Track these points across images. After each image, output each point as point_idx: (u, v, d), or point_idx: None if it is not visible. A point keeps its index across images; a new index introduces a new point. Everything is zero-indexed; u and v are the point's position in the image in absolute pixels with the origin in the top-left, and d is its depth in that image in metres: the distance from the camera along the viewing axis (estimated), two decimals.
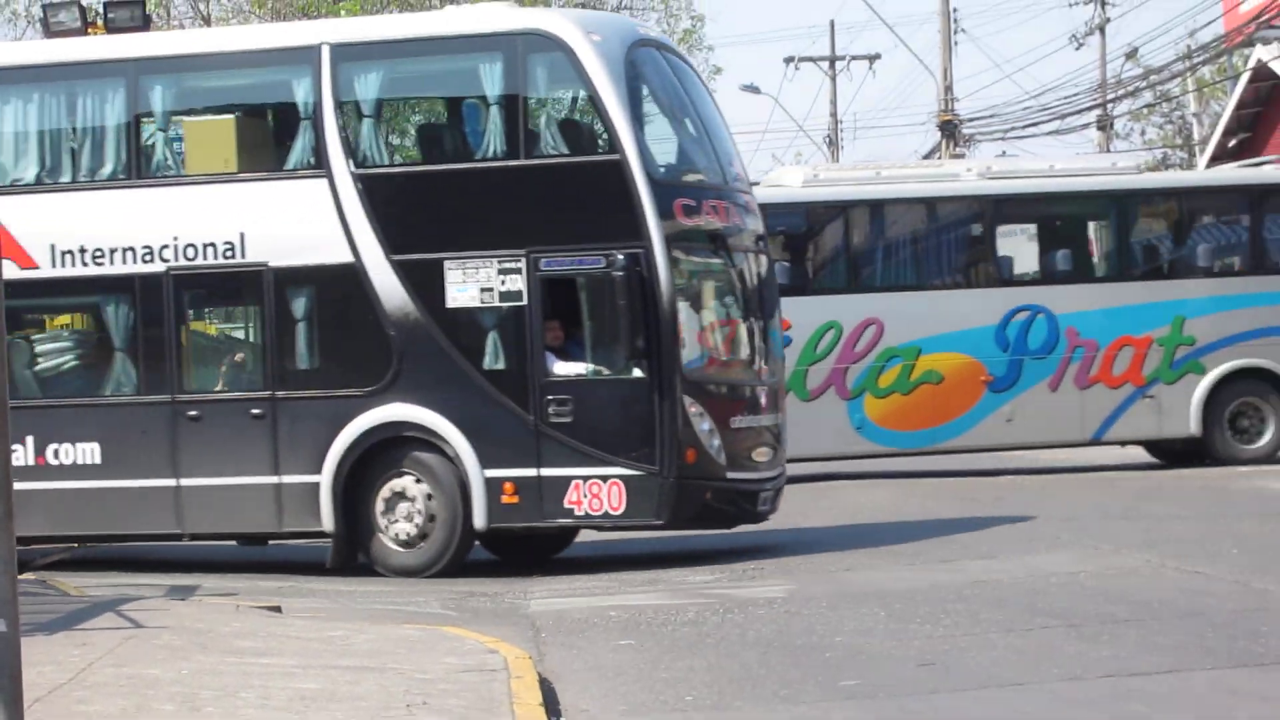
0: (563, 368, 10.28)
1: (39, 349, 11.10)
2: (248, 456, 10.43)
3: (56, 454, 10.66)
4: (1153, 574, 9.32)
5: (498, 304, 10.19)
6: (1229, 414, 17.24)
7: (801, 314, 15.11)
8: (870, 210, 17.21)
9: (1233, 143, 27.28)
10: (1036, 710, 5.64)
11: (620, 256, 9.84)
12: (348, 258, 10.29)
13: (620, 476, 9.99)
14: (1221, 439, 17.14)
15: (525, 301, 10.13)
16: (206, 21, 25.58)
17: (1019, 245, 18.26)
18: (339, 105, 10.50)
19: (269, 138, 10.98)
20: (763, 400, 11.25)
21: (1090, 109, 33.38)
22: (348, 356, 10.66)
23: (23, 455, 10.58)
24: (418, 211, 10.51)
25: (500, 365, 10.31)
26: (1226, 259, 18.23)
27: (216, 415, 10.54)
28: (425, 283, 10.23)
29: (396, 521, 10.40)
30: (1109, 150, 37.63)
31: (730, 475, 10.56)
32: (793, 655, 7.17)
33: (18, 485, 9.63)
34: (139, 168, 10.84)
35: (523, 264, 10.11)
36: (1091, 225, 18.18)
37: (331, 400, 10.43)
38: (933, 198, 17.17)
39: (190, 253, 10.54)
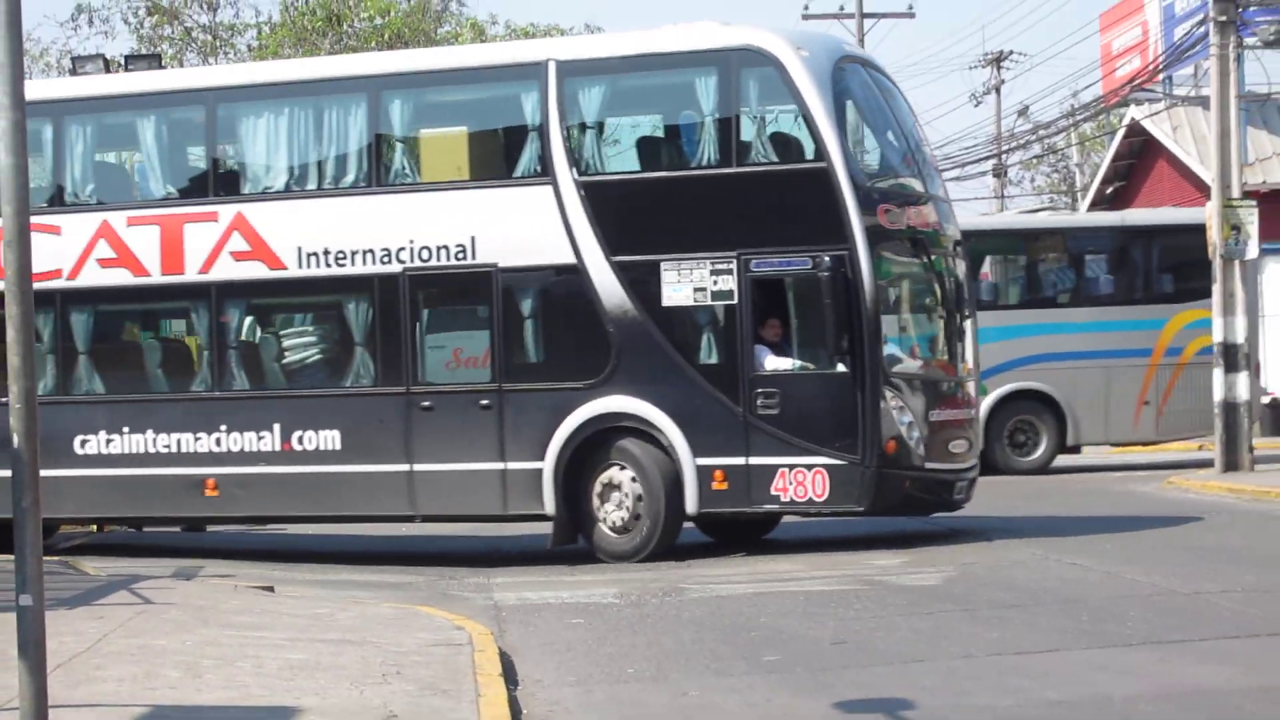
0: (771, 363, 11.44)
1: (286, 344, 12.76)
2: (476, 445, 11.84)
3: (301, 440, 12.25)
4: (1038, 565, 10.82)
5: (710, 303, 11.45)
6: (1007, 430, 20.75)
7: None
8: None
9: (1110, 190, 33.03)
10: (933, 683, 6.65)
11: (826, 258, 10.98)
12: (570, 259, 11.66)
13: (824, 466, 11.14)
14: (1001, 452, 20.46)
15: (736, 300, 11.35)
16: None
17: None
18: (564, 116, 11.85)
19: (498, 147, 12.34)
20: (959, 395, 12.48)
21: (987, 159, 39.98)
22: (569, 351, 12.04)
23: (270, 441, 12.43)
24: (636, 216, 11.82)
25: (712, 360, 11.60)
26: (1007, 294, 22.00)
27: (448, 406, 11.95)
28: (642, 282, 11.54)
29: (610, 509, 11.76)
30: (1003, 196, 46.06)
31: (929, 466, 11.67)
32: (722, 634, 8.45)
33: (265, 469, 11.44)
34: (379, 176, 12.37)
35: (734, 265, 11.32)
36: None
37: (554, 392, 11.77)
38: None
39: (425, 255, 12.02)
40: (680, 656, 7.87)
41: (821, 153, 11.27)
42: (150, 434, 12.74)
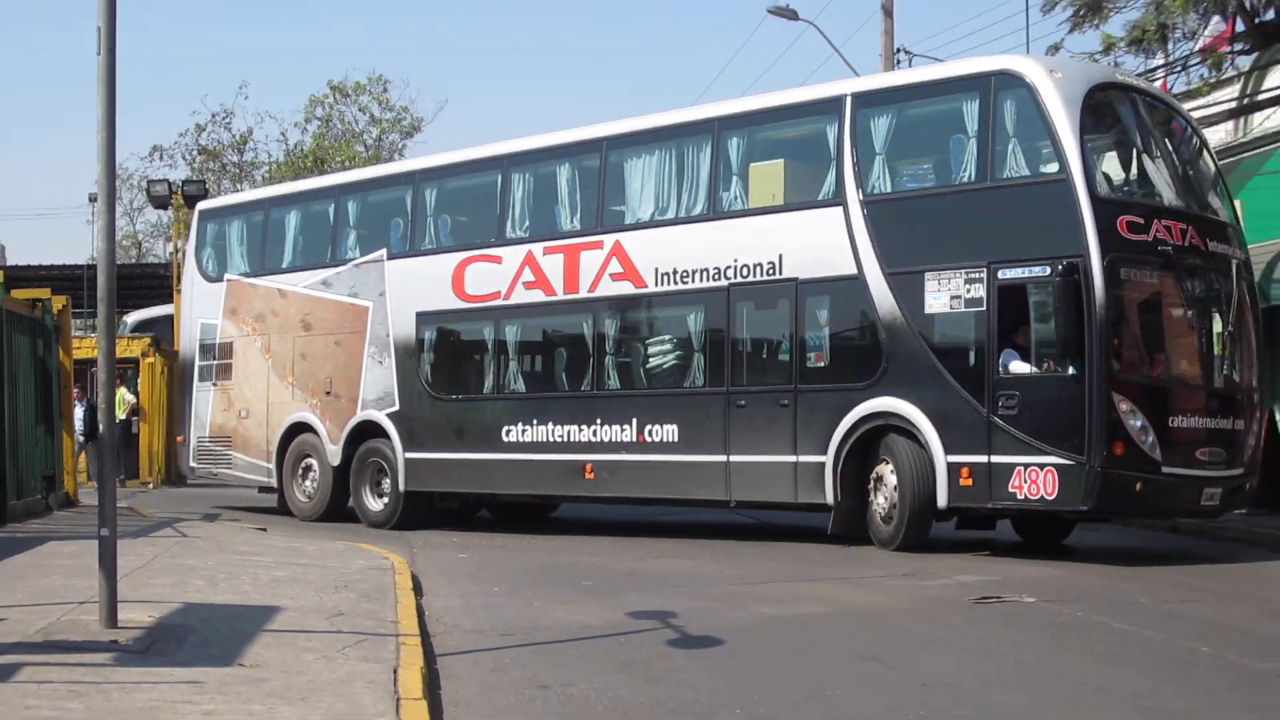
0: (1013, 366, 13.32)
1: (643, 350, 16.51)
2: (776, 439, 14.81)
3: (650, 433, 15.95)
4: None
5: (964, 309, 13.58)
6: None
7: None
8: None
9: None
10: (690, 604, 11.02)
11: (1061, 265, 12.71)
12: (853, 270, 14.33)
13: (1054, 465, 12.87)
14: None
15: (984, 307, 13.38)
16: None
17: None
18: (855, 143, 14.53)
19: (804, 174, 15.10)
20: (1210, 404, 13.80)
21: None
22: (850, 355, 14.78)
23: (630, 433, 16.27)
24: (906, 231, 14.24)
25: (963, 363, 13.65)
26: None
27: (756, 404, 15.05)
28: (909, 292, 13.90)
29: (880, 500, 14.28)
30: None
31: (1166, 470, 13.10)
32: (557, 570, 14.10)
33: (625, 457, 16.12)
34: (714, 205, 15.78)
35: (984, 274, 13.37)
36: None
37: (836, 392, 14.46)
38: None
39: (745, 271, 15.22)
40: (529, 582, 13.03)
41: (1062, 165, 13.05)
42: (551, 425, 16.90)
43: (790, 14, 31.73)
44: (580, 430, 16.95)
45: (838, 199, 14.96)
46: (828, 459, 14.69)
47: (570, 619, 10.35)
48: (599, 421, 16.78)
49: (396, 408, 18.99)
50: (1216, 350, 14.04)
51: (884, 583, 12.50)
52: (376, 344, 19.31)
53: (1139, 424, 13.13)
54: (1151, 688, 7.84)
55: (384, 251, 19.50)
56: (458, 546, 16.58)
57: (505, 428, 17.76)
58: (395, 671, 7.45)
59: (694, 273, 16.06)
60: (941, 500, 13.92)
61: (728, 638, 9.36)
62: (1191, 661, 8.72)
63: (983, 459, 13.65)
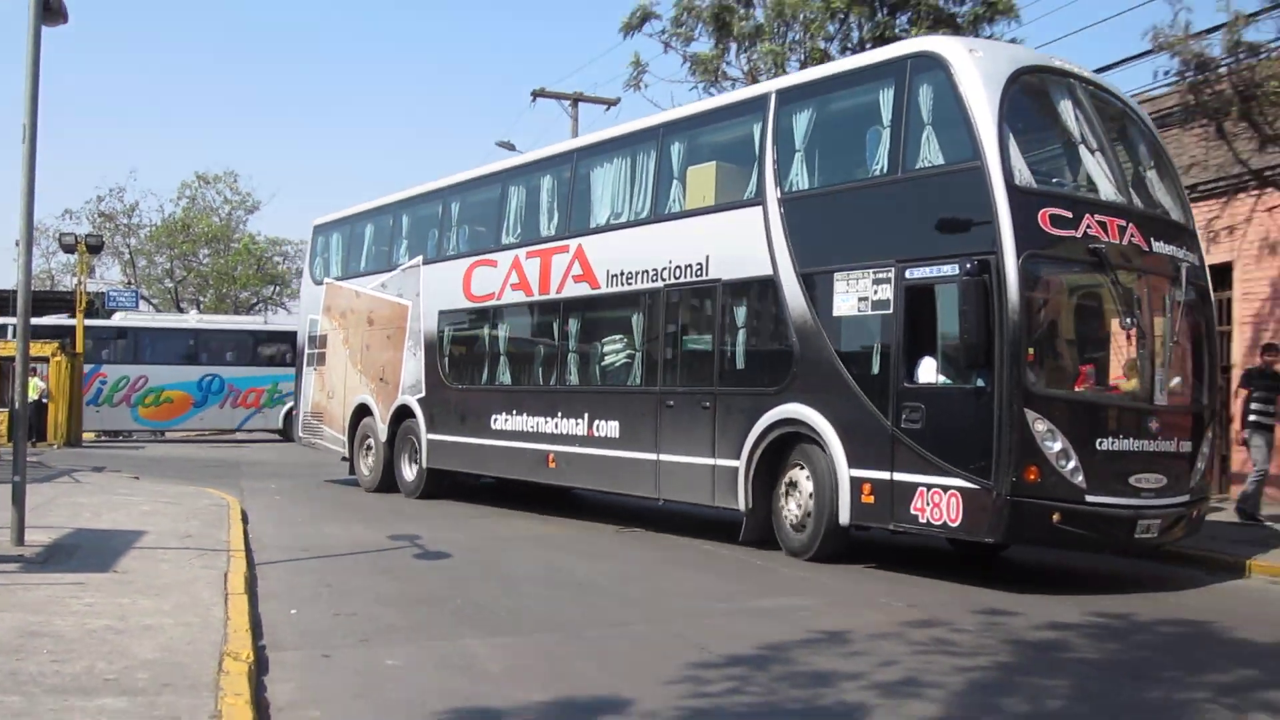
0: (920, 375, 8.19)
1: (594, 349, 11.62)
2: (698, 441, 9.91)
3: (598, 428, 11.16)
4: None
5: (870, 312, 8.49)
6: None
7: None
8: None
9: None
10: (431, 531, 10.77)
11: (970, 264, 7.56)
12: (768, 271, 9.36)
13: (958, 488, 7.71)
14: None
15: (891, 310, 8.29)
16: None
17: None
18: (776, 140, 9.57)
19: (734, 176, 10.17)
20: (1150, 424, 8.07)
21: None
22: (764, 359, 9.69)
23: (582, 426, 11.41)
24: (819, 229, 9.14)
25: (868, 370, 8.56)
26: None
27: (682, 405, 10.15)
28: (820, 293, 8.94)
29: (791, 508, 9.24)
30: None
31: (1092, 499, 7.63)
32: (342, 506, 13.77)
33: (578, 449, 11.17)
34: (656, 208, 10.86)
35: (891, 273, 8.30)
36: None
37: (750, 396, 9.52)
38: None
39: (678, 272, 10.33)
40: (321, 513, 12.76)
41: (976, 150, 7.78)
42: (525, 416, 12.27)
43: (509, 145, 26.53)
44: (545, 422, 12.11)
45: (758, 198, 9.74)
46: (740, 464, 9.54)
47: (350, 540, 10.30)
48: (560, 415, 11.91)
49: (423, 394, 14.51)
50: (1159, 363, 8.30)
51: (556, 517, 12.39)
52: (413, 338, 14.86)
53: (1058, 446, 7.68)
54: (715, 582, 8.31)
55: (421, 258, 14.99)
56: (275, 490, 15.66)
57: (493, 416, 13.04)
58: (225, 575, 7.43)
59: (636, 274, 11.02)
60: (844, 517, 8.67)
61: (455, 553, 9.44)
62: (746, 566, 9.03)
63: (885, 475, 8.38)
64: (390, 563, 8.88)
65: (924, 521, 7.98)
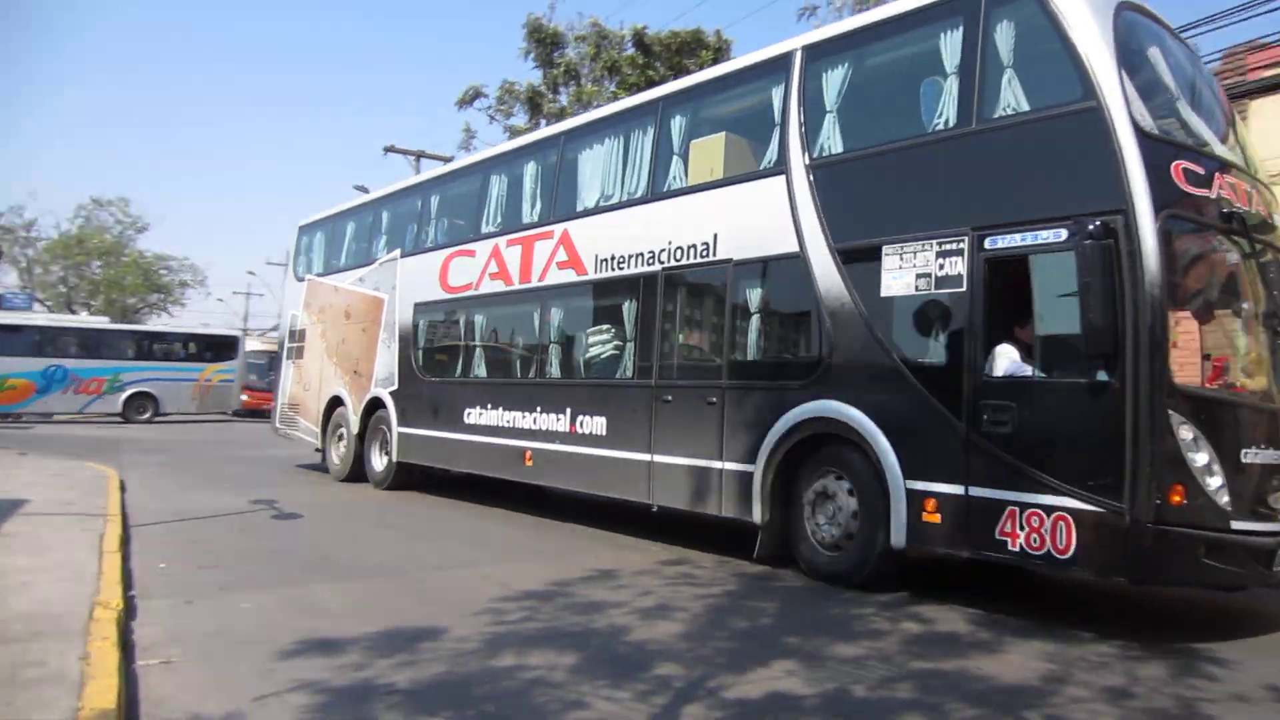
0: (1006, 366, 5.18)
1: (580, 339, 8.41)
2: (701, 441, 6.81)
3: (583, 424, 7.98)
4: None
5: (933, 291, 5.45)
6: None
7: None
8: None
9: None
10: (284, 496, 10.07)
11: (1091, 225, 4.63)
12: (793, 247, 6.28)
13: (1071, 511, 4.71)
14: None
15: (964, 288, 5.29)
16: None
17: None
18: (803, 102, 6.52)
19: (746, 146, 7.14)
20: None
21: None
22: (786, 348, 6.58)
23: (564, 422, 8.25)
24: (861, 196, 6.06)
25: (932, 361, 5.48)
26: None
27: (683, 400, 7.03)
28: (861, 270, 5.85)
29: (821, 523, 6.13)
30: None
31: (1236, 526, 4.68)
32: (210, 474, 12.46)
33: (559, 447, 7.68)
34: (653, 187, 7.73)
35: (965, 244, 5.30)
36: None
37: (769, 391, 6.38)
38: None
39: (678, 254, 7.23)
40: (192, 481, 11.40)
41: (1090, 88, 4.86)
42: (501, 410, 9.01)
43: (363, 189, 23.93)
44: (524, 417, 8.84)
45: (779, 167, 6.66)
46: (755, 469, 6.39)
47: (215, 505, 9.14)
48: (539, 409, 8.64)
49: (395, 387, 11.11)
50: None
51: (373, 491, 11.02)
52: (388, 330, 11.47)
53: (1203, 459, 4.68)
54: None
55: (399, 251, 11.60)
56: (154, 462, 13.89)
57: (466, 410, 9.71)
58: (101, 536, 6.70)
59: (629, 258, 7.84)
60: (896, 538, 5.58)
61: (305, 513, 8.76)
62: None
63: (957, 490, 5.29)
64: (247, 522, 8.22)
65: (1016, 550, 4.95)
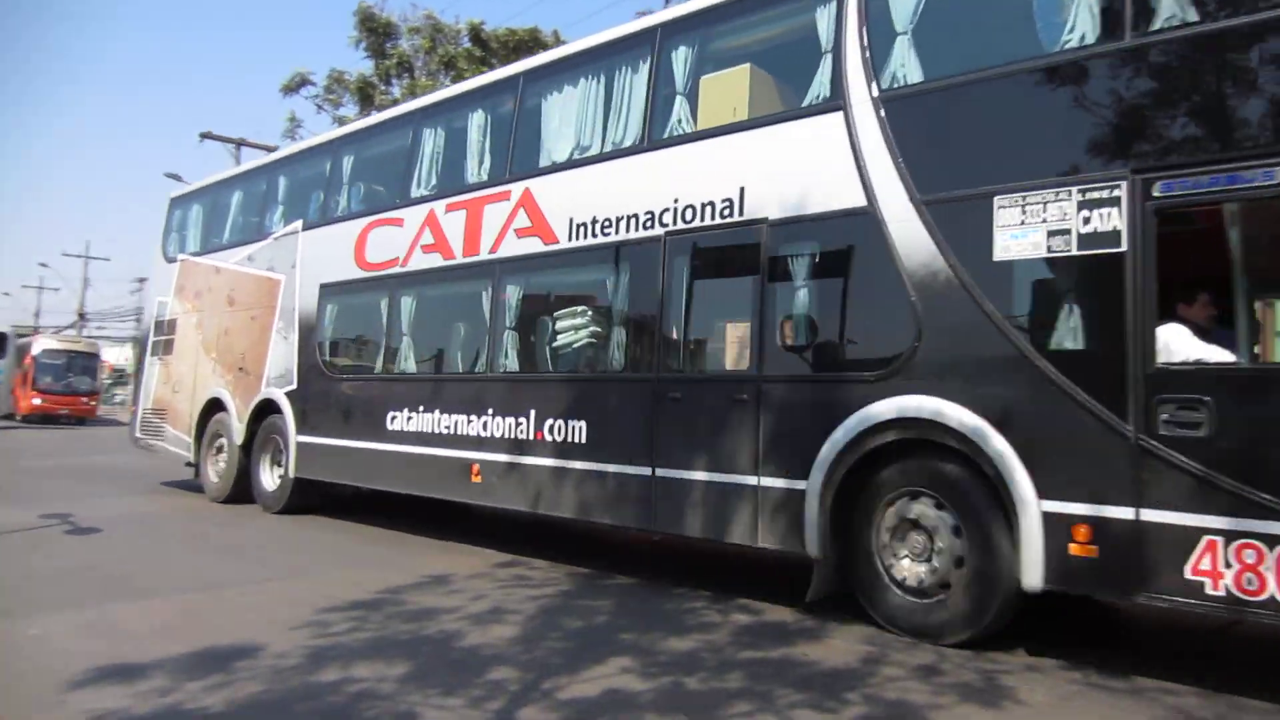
0: (1188, 348, 3.89)
1: (547, 324, 6.63)
2: (726, 450, 5.23)
3: (554, 430, 6.21)
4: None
5: (1077, 252, 4.06)
6: None
7: None
8: None
9: None
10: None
11: None
12: (859, 201, 4.83)
13: None
14: None
15: (1125, 247, 3.92)
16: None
17: None
18: (865, 19, 5.12)
19: (780, 80, 5.73)
20: None
21: None
22: (851, 329, 4.98)
23: (526, 428, 6.37)
24: (959, 135, 4.65)
25: (1076, 344, 4.07)
26: None
27: (698, 398, 5.44)
28: (960, 229, 4.46)
29: (905, 558, 4.64)
30: None
31: None
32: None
33: (518, 458, 5.67)
34: (651, 133, 6.13)
35: (1123, 190, 3.96)
36: None
37: (826, 384, 4.87)
38: None
39: (688, 214, 5.65)
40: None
41: None
42: (436, 414, 7.17)
43: (177, 176, 23.87)
44: (468, 422, 6.98)
45: (834, 102, 5.16)
46: (810, 487, 4.81)
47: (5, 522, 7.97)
48: (490, 412, 6.81)
49: (294, 386, 8.98)
50: None
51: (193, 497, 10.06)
52: (284, 318, 9.30)
53: None
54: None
55: (300, 223, 9.47)
56: None
57: (390, 414, 7.74)
58: None
59: (618, 221, 6.17)
60: (1031, 577, 4.09)
61: (105, 527, 7.95)
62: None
63: (1123, 514, 3.81)
64: (39, 539, 7.36)
65: (1220, 594, 3.59)
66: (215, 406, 10.29)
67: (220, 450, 10.25)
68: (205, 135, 23.39)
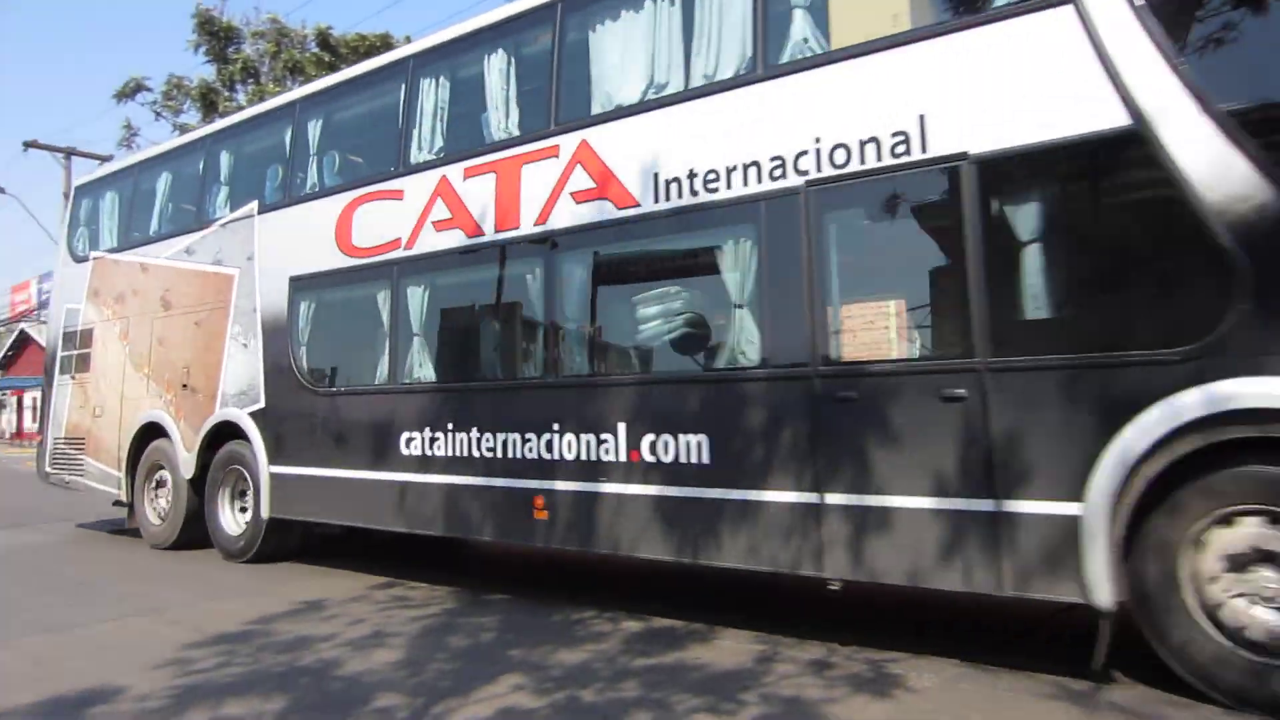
0: None
1: (636, 310, 5.07)
2: (935, 465, 3.84)
3: (657, 448, 4.69)
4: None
5: None
6: None
7: None
8: None
9: None
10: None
11: None
12: (1120, 120, 3.52)
13: None
14: None
15: None
16: None
17: None
18: None
19: None
20: None
21: None
22: (1124, 293, 3.54)
23: (614, 446, 4.82)
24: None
25: None
26: None
27: (884, 396, 4.03)
28: None
29: (1235, 603, 3.32)
30: None
31: None
32: None
33: (605, 486, 4.35)
34: (765, 57, 4.67)
35: None
36: None
37: (1098, 370, 3.51)
38: None
39: (839, 157, 4.25)
40: None
41: None
42: (477, 432, 5.54)
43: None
44: (523, 441, 5.35)
45: None
46: (1091, 509, 3.43)
47: None
48: (556, 428, 5.20)
49: (262, 404, 7.15)
50: None
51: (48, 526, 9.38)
52: (241, 322, 7.45)
53: None
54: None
55: (255, 205, 7.61)
56: None
57: (405, 435, 6.04)
58: None
59: (728, 173, 4.68)
60: None
61: None
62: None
63: None
64: None
65: None
66: (152, 432, 8.33)
67: (161, 485, 8.30)
68: (30, 144, 21.49)
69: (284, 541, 7.26)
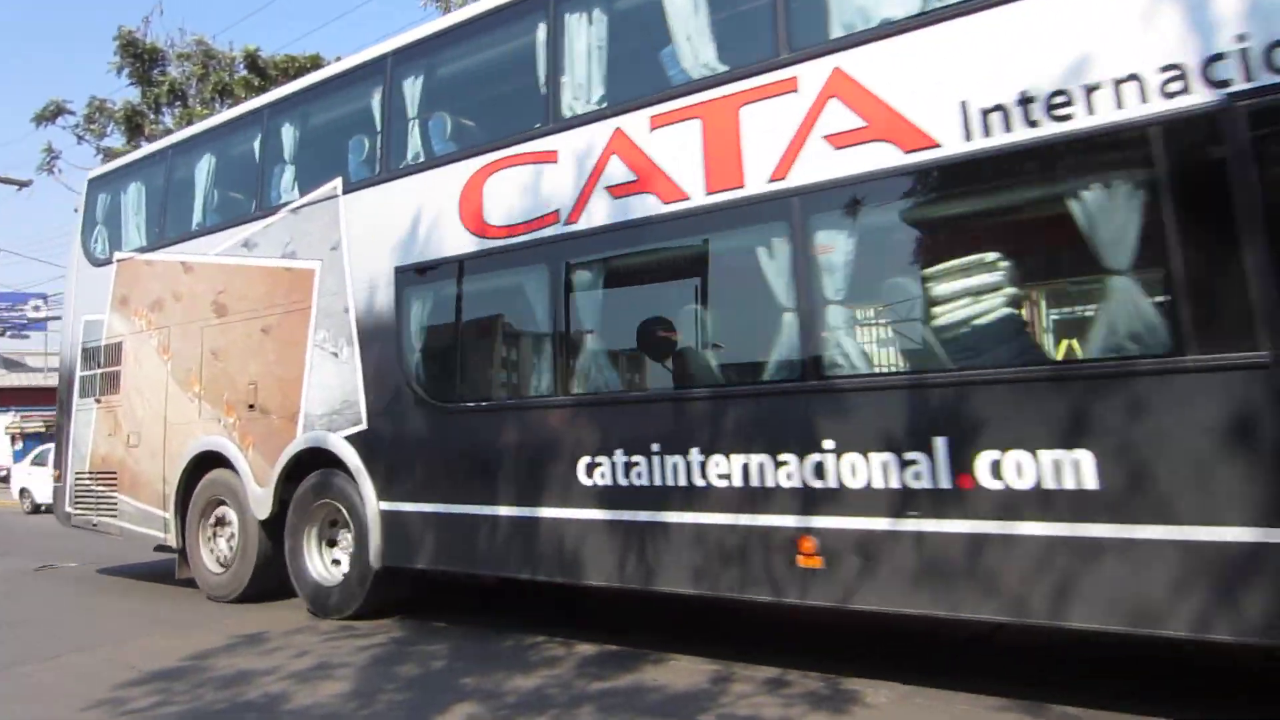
0: None
1: (934, 288, 3.77)
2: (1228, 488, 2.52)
3: (999, 469, 3.39)
4: None
5: None
6: None
7: None
8: None
9: None
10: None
11: None
12: None
13: None
14: None
15: None
16: None
17: None
18: None
19: None
20: None
21: None
22: None
23: (927, 469, 3.54)
24: None
25: None
26: None
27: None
28: None
29: None
30: None
31: None
32: None
33: (901, 525, 3.26)
34: None
35: None
36: None
37: None
38: None
39: None
40: None
41: None
42: (697, 454, 4.18)
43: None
44: (780, 465, 3.99)
45: None
46: None
47: None
48: (830, 447, 3.86)
49: (363, 426, 5.70)
50: None
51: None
52: (328, 326, 6.00)
53: None
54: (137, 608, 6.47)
55: (339, 183, 6.18)
56: None
57: (589, 460, 4.64)
58: None
59: (1092, 91, 3.39)
60: None
61: None
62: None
63: None
64: None
65: None
66: (209, 462, 6.88)
67: (223, 524, 6.86)
68: None
69: (392, 593, 5.86)
